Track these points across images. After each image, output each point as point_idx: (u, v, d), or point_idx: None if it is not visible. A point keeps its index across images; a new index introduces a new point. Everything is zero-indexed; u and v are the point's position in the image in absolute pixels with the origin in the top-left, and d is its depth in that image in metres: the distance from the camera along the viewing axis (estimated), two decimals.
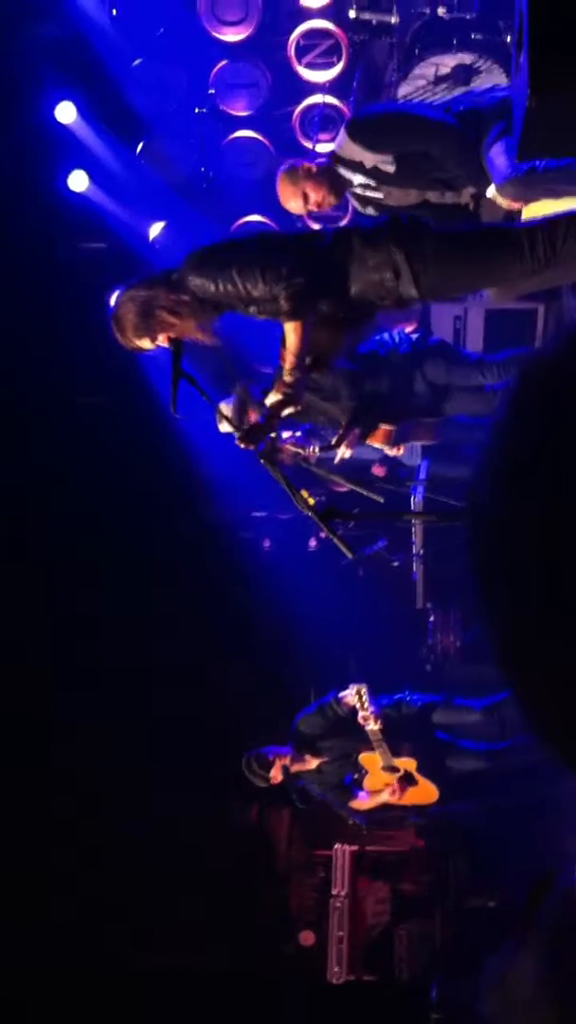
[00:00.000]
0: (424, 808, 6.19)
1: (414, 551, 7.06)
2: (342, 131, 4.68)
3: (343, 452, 5.50)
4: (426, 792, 5.97)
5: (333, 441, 5.54)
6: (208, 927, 7.48)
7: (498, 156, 4.24)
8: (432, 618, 7.53)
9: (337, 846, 7.48)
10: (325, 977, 7.15)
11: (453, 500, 5.30)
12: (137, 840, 7.41)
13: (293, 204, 4.83)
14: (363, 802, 6.04)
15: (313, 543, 8.22)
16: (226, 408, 4.87)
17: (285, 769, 5.80)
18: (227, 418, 4.18)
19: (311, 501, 4.00)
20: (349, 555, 3.85)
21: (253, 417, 4.89)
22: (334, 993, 7.15)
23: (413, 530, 6.94)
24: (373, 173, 4.57)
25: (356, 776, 6.03)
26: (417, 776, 5.91)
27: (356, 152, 4.55)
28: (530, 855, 6.25)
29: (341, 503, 5.48)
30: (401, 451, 5.97)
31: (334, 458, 5.58)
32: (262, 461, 3.94)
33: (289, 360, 3.97)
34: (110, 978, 7.25)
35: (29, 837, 7.28)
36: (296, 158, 5.01)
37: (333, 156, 4.72)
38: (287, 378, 3.98)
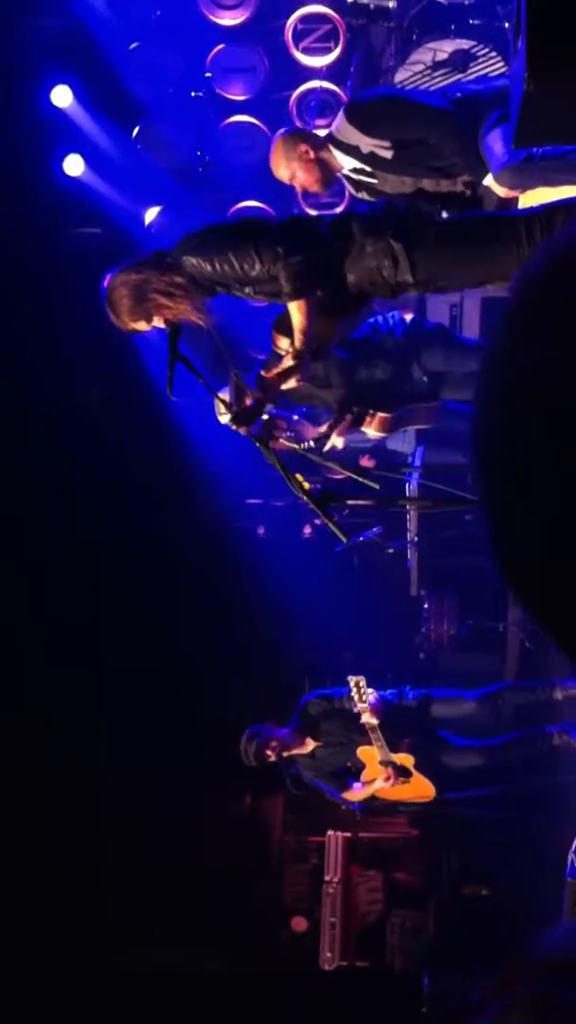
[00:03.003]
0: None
1: (409, 538, 7.06)
2: (340, 114, 4.65)
3: (334, 440, 5.49)
4: (421, 788, 5.96)
5: (324, 428, 5.53)
6: (200, 913, 7.50)
7: (495, 143, 4.22)
8: (426, 606, 7.53)
9: (330, 832, 7.50)
10: (317, 963, 7.18)
11: (449, 487, 5.29)
12: (130, 829, 7.43)
13: (280, 172, 4.78)
14: (356, 792, 6.05)
15: (308, 530, 8.22)
16: (226, 398, 4.87)
17: (282, 746, 5.80)
18: (228, 407, 4.18)
19: (306, 486, 4.00)
20: (344, 539, 3.85)
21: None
22: (326, 979, 7.17)
23: (408, 517, 6.94)
24: (369, 159, 4.54)
25: (350, 766, 6.04)
26: (413, 772, 5.90)
27: (353, 136, 4.52)
28: (525, 845, 6.28)
29: (336, 490, 5.48)
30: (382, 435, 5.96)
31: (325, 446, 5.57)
32: (257, 444, 3.94)
33: (297, 338, 3.96)
34: (104, 968, 7.28)
35: (28, 837, 7.29)
36: (302, 128, 4.95)
37: (329, 138, 4.70)
38: (294, 353, 3.98)
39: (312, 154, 4.66)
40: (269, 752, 5.78)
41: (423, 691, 6.13)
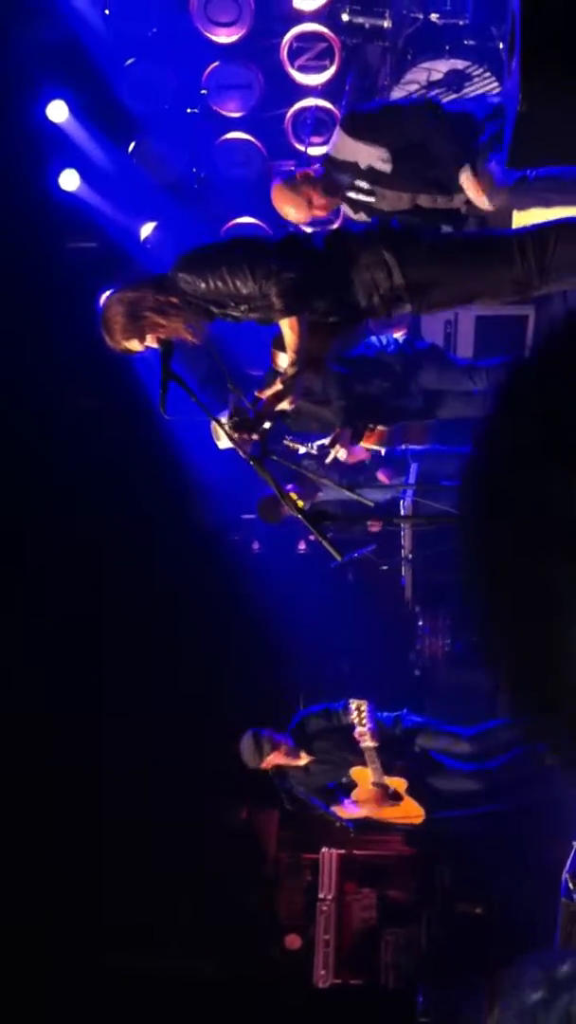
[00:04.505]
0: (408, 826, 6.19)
1: (403, 555, 7.06)
2: (337, 130, 4.66)
3: (336, 452, 5.52)
4: (410, 810, 5.96)
5: (327, 442, 5.55)
6: (194, 929, 7.47)
7: (489, 163, 4.24)
8: (421, 622, 7.53)
9: (324, 850, 7.48)
10: (311, 981, 7.15)
11: (442, 504, 5.30)
12: (127, 843, 7.40)
13: (293, 212, 4.69)
14: (347, 810, 6.04)
15: (302, 546, 8.22)
16: (222, 420, 4.87)
17: (283, 751, 5.81)
18: (224, 429, 4.18)
19: (300, 504, 3.99)
20: (338, 557, 3.85)
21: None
22: (320, 996, 7.14)
23: (402, 534, 6.94)
24: (367, 174, 4.54)
25: (343, 782, 6.03)
26: (404, 796, 5.90)
27: (350, 151, 4.53)
28: (518, 863, 6.26)
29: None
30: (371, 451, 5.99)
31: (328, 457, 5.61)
32: (251, 464, 3.94)
33: (289, 356, 3.98)
34: (96, 980, 7.23)
35: (28, 838, 7.26)
36: (287, 168, 4.99)
37: (327, 159, 4.71)
38: (287, 372, 3.99)
39: (312, 173, 4.68)
40: (271, 758, 5.80)
41: (421, 721, 6.13)
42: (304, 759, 5.93)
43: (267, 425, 4.27)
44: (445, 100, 6.41)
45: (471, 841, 6.73)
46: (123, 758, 7.57)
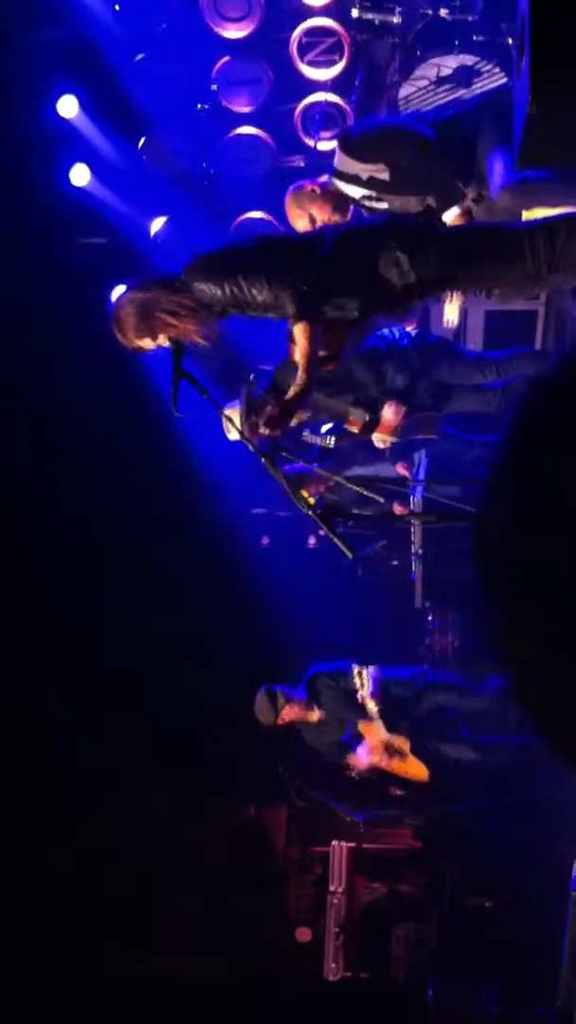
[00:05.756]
0: (416, 793, 6.31)
1: (413, 551, 7.07)
2: (337, 148, 4.78)
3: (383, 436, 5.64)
4: (416, 769, 6.18)
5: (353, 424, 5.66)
6: (205, 923, 7.51)
7: (496, 163, 4.27)
8: (430, 618, 7.54)
9: (334, 842, 7.50)
10: (321, 974, 7.18)
11: (452, 500, 5.31)
12: (135, 838, 7.43)
13: (300, 224, 4.91)
14: (360, 759, 6.22)
15: (312, 541, 8.23)
16: (231, 412, 4.89)
17: (295, 706, 6.06)
18: (234, 424, 4.20)
19: (311, 500, 4.02)
20: (349, 554, 3.86)
21: (260, 419, 4.92)
22: (330, 990, 7.17)
23: (412, 530, 6.96)
24: (370, 184, 4.66)
25: (353, 735, 6.24)
26: (408, 755, 6.11)
27: (351, 166, 4.65)
28: (528, 857, 6.29)
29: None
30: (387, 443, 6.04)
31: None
32: (262, 461, 3.96)
33: (300, 362, 3.99)
34: (106, 976, 7.28)
35: (28, 837, 7.30)
36: (301, 180, 5.11)
37: (334, 172, 4.80)
38: (300, 374, 4.01)
39: (319, 190, 4.81)
40: (286, 713, 6.04)
41: (442, 677, 6.41)
42: (316, 714, 6.16)
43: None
44: (454, 96, 6.42)
45: (481, 835, 6.76)
46: (128, 755, 7.60)
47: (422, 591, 7.25)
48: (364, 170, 4.60)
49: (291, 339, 4.15)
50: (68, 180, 7.77)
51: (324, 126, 7.41)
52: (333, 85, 7.51)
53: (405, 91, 6.57)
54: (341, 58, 7.32)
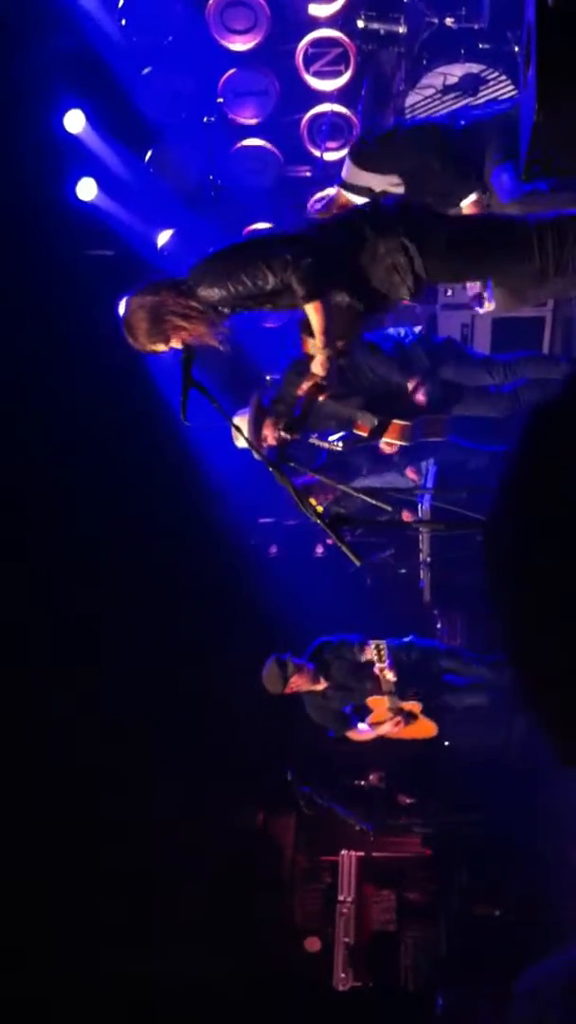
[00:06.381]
0: (426, 740, 6.40)
1: (421, 559, 7.08)
2: (347, 159, 4.76)
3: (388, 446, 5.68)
4: (424, 729, 6.31)
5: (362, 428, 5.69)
6: (214, 932, 7.49)
7: (503, 173, 4.28)
8: (439, 625, 7.54)
9: (343, 852, 7.49)
10: (331, 983, 7.16)
11: (460, 508, 5.31)
12: (141, 845, 7.42)
13: None
14: (361, 733, 6.33)
15: (320, 549, 8.24)
16: (240, 420, 4.91)
17: (304, 675, 6.14)
18: (242, 432, 4.22)
19: (319, 508, 4.02)
20: (356, 562, 3.86)
21: (268, 429, 4.94)
22: (340, 999, 7.15)
23: (420, 538, 6.96)
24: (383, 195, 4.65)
25: (357, 707, 6.34)
26: (419, 716, 6.26)
27: (363, 179, 4.64)
28: (536, 863, 6.27)
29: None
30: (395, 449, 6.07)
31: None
32: (270, 469, 3.96)
33: (318, 339, 3.99)
34: (111, 983, 7.26)
35: (28, 837, 7.29)
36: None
37: (342, 183, 4.80)
38: (319, 360, 4.01)
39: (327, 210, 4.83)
40: (295, 681, 6.11)
41: (431, 644, 6.58)
42: (323, 684, 6.25)
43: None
44: (460, 104, 6.45)
45: (489, 843, 6.75)
46: (134, 761, 7.60)
47: (431, 599, 7.26)
48: (378, 182, 4.61)
49: (304, 328, 4.14)
50: (75, 194, 7.80)
51: (330, 136, 7.44)
52: (339, 95, 7.53)
53: (411, 100, 6.61)
54: (347, 68, 7.35)
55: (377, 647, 5.96)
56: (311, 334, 4.22)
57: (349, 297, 4.06)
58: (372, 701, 6.22)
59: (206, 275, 3.99)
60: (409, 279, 3.99)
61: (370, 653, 6.07)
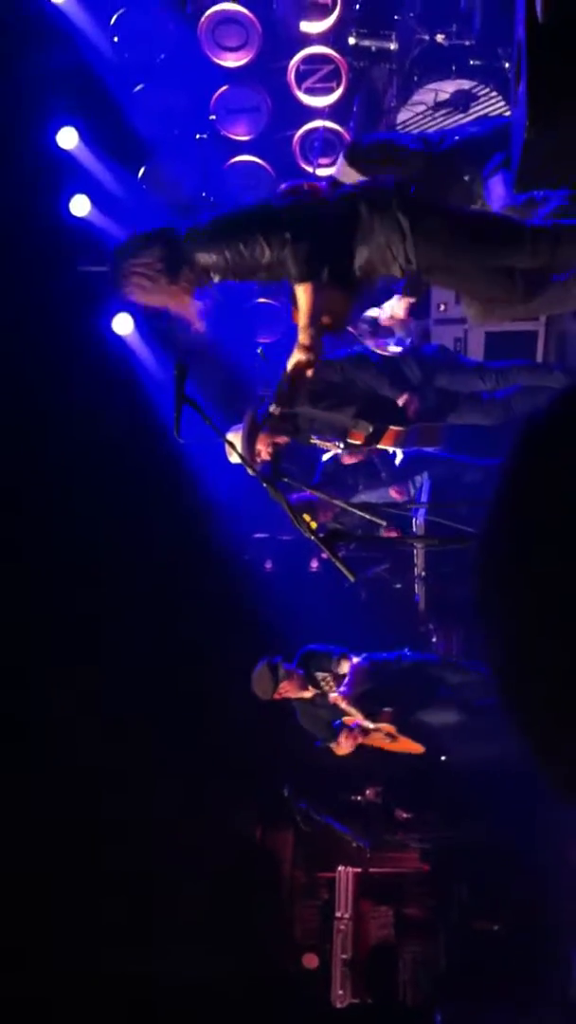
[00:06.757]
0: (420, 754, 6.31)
1: (416, 573, 7.08)
2: (341, 158, 4.76)
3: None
4: (409, 746, 6.26)
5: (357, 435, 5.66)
6: (214, 933, 7.46)
7: (496, 186, 4.29)
8: (434, 640, 7.53)
9: (340, 868, 7.47)
10: (328, 1000, 7.12)
11: (455, 522, 5.31)
12: (141, 845, 7.40)
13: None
14: (348, 741, 6.24)
15: (315, 564, 8.23)
16: (234, 437, 4.90)
17: (294, 681, 6.10)
18: (235, 448, 4.21)
19: (313, 524, 4.01)
20: (350, 578, 3.86)
21: (262, 444, 4.93)
22: (338, 1016, 7.11)
23: (415, 553, 6.96)
24: None
25: (344, 720, 6.28)
26: (398, 736, 6.18)
27: (353, 177, 4.64)
28: (535, 881, 6.24)
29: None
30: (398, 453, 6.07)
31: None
32: (263, 483, 3.96)
33: (303, 318, 3.99)
34: (111, 983, 7.21)
35: (28, 837, 7.26)
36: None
37: (333, 181, 4.80)
38: (303, 338, 4.01)
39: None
40: (285, 686, 6.08)
41: (422, 657, 6.50)
42: (311, 692, 6.21)
43: (281, 441, 4.30)
44: (451, 120, 6.48)
45: (487, 857, 6.72)
46: (134, 761, 7.58)
47: (426, 613, 7.26)
48: None
49: (294, 302, 4.14)
50: (68, 210, 7.82)
51: (323, 152, 7.46)
52: (331, 112, 7.56)
53: (403, 116, 6.64)
54: (339, 85, 7.38)
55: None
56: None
57: (343, 272, 4.07)
58: (348, 719, 6.17)
59: (206, 240, 4.00)
60: (401, 256, 4.01)
61: (345, 667, 6.03)
